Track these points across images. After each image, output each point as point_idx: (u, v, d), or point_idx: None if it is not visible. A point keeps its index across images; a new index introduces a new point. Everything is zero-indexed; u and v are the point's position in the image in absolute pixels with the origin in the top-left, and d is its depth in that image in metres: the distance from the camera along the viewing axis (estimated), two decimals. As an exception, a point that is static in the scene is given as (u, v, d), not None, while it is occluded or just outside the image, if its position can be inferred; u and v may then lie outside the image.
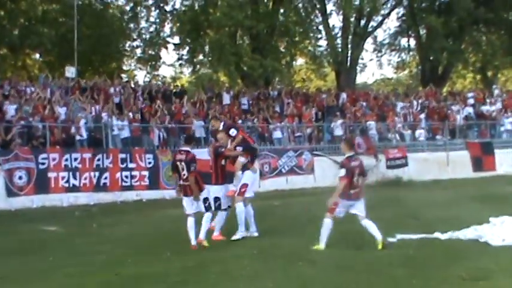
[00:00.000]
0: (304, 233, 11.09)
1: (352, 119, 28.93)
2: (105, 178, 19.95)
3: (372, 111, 31.01)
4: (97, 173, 19.81)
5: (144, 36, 38.93)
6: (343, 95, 32.05)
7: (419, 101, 33.30)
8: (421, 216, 12.84)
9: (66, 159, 19.42)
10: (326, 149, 26.68)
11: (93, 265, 8.67)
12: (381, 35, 44.22)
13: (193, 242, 10.19)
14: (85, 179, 19.69)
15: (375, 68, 56.54)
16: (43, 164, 18.98)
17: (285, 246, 9.47)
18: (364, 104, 31.68)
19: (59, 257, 9.59)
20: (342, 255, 8.52)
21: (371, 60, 45.35)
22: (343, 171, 9.73)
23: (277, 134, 25.99)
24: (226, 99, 28.22)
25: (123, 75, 38.09)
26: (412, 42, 44.01)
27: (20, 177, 18.53)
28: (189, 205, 10.58)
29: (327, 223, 9.70)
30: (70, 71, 25.55)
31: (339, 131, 27.45)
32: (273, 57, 32.23)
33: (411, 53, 45.11)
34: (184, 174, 10.55)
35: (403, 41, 44.53)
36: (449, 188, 22.76)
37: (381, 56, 45.14)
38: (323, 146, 26.89)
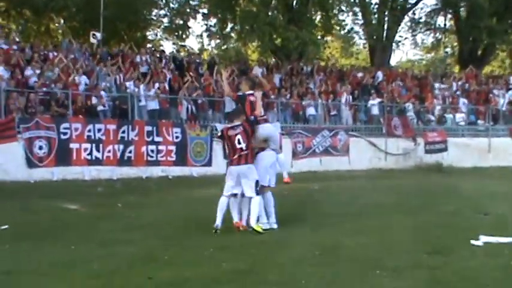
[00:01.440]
0: (367, 228, 9.51)
1: (389, 98, 27.22)
2: (130, 152, 18.48)
3: (409, 91, 29.29)
4: (121, 146, 18.37)
5: (171, 4, 37.45)
6: (379, 74, 30.27)
7: (459, 83, 31.47)
8: (489, 210, 11.16)
9: (89, 130, 17.98)
10: (362, 129, 25.08)
11: (121, 260, 7.20)
12: (417, 13, 42.18)
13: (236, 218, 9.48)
14: (109, 151, 18.29)
15: (407, 47, 53.14)
16: (65, 134, 17.58)
17: (351, 246, 7.87)
18: (401, 83, 29.94)
19: (82, 246, 8.13)
20: (425, 262, 6.92)
21: (405, 39, 42.90)
22: None
23: (311, 111, 24.37)
24: (258, 73, 26.57)
25: (149, 45, 36.43)
26: (449, 21, 42.21)
27: (41, 147, 17.14)
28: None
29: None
30: (96, 37, 24.03)
31: (375, 111, 25.83)
32: (308, 29, 30.30)
33: (447, 33, 43.25)
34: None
35: (439, 20, 42.74)
36: (498, 177, 21.10)
37: (416, 34, 43.34)
38: (359, 126, 25.25)
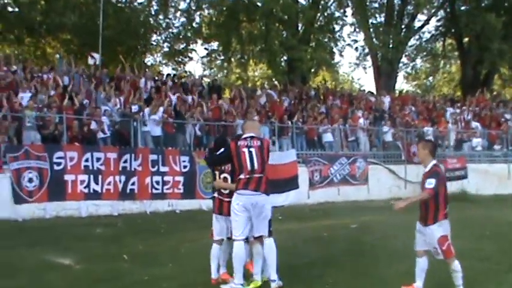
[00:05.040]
0: None
1: (403, 124, 24.21)
2: (133, 184, 15.21)
3: (420, 116, 26.36)
4: (123, 177, 15.14)
5: (171, 29, 34.55)
6: (387, 99, 27.33)
7: (470, 108, 28.58)
8: None
9: (87, 160, 14.77)
10: (380, 156, 22.03)
11: None
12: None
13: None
14: (109, 184, 15.06)
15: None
16: (59, 164, 14.35)
17: None
18: (414, 108, 27.03)
19: None
20: None
21: (405, 65, 40.06)
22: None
23: (327, 137, 21.27)
24: (263, 97, 23.52)
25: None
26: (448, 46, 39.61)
27: (30, 180, 13.92)
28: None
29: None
30: (94, 58, 20.89)
31: (388, 137, 22.85)
32: (319, 50, 27.33)
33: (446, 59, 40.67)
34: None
35: (439, 46, 40.08)
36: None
37: (415, 60, 40.59)
38: (377, 152, 22.20)
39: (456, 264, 7.00)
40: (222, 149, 7.69)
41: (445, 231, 6.98)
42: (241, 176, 7.21)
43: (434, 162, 7.12)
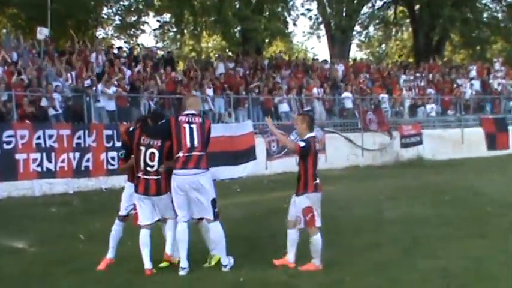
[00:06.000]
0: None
1: (358, 92, 24.18)
2: (87, 160, 14.72)
3: (375, 83, 26.37)
4: (77, 154, 14.64)
5: (122, 2, 33.65)
6: (341, 67, 27.26)
7: (423, 75, 28.77)
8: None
9: (39, 137, 14.19)
10: (338, 124, 21.98)
11: None
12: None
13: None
14: (62, 161, 14.56)
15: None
16: (9, 143, 13.78)
17: None
18: (367, 76, 27.03)
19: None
20: None
21: (358, 32, 40.10)
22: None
23: (283, 108, 21.06)
24: (221, 68, 23.15)
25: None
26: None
27: (-21, 160, 13.37)
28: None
29: None
30: (42, 32, 20.01)
31: (349, 105, 22.82)
32: (273, 20, 26.96)
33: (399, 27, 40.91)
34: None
35: (391, 13, 40.21)
36: (490, 170, 18.46)
37: (368, 27, 40.68)
38: (334, 121, 22.13)
39: (315, 238, 6.89)
40: (163, 121, 7.19)
41: (313, 203, 6.90)
42: (180, 154, 6.70)
43: (311, 135, 7.12)
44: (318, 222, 6.94)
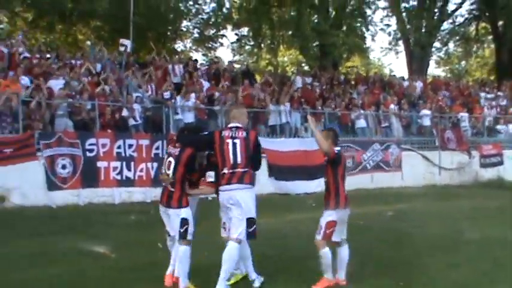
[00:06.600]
0: None
1: (437, 109, 23.65)
2: (166, 170, 15.13)
3: (455, 101, 25.73)
4: (155, 164, 15.07)
5: (201, 15, 34.34)
6: (419, 84, 26.75)
7: (505, 93, 27.84)
8: None
9: (119, 146, 14.81)
10: (414, 142, 21.58)
11: None
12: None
13: None
14: (141, 170, 15.07)
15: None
16: (91, 151, 14.37)
17: None
18: (447, 93, 26.42)
19: None
20: None
21: (438, 49, 39.29)
22: None
23: (360, 123, 20.84)
24: (298, 82, 23.16)
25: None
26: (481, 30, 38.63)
27: (64, 167, 13.97)
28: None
29: None
30: (125, 44, 20.65)
31: (427, 122, 22.37)
32: (352, 35, 26.85)
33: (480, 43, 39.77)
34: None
35: (472, 29, 39.13)
36: None
37: (447, 43, 39.75)
38: (411, 138, 21.74)
39: (324, 252, 6.73)
40: (206, 132, 7.01)
41: (338, 219, 6.78)
42: (224, 171, 6.46)
43: (338, 148, 6.99)
44: (336, 237, 6.83)
